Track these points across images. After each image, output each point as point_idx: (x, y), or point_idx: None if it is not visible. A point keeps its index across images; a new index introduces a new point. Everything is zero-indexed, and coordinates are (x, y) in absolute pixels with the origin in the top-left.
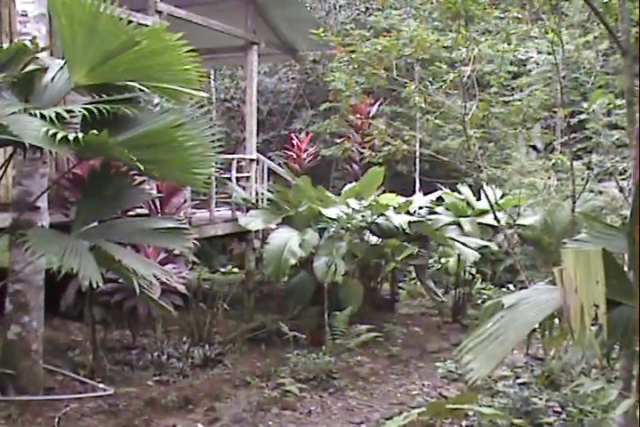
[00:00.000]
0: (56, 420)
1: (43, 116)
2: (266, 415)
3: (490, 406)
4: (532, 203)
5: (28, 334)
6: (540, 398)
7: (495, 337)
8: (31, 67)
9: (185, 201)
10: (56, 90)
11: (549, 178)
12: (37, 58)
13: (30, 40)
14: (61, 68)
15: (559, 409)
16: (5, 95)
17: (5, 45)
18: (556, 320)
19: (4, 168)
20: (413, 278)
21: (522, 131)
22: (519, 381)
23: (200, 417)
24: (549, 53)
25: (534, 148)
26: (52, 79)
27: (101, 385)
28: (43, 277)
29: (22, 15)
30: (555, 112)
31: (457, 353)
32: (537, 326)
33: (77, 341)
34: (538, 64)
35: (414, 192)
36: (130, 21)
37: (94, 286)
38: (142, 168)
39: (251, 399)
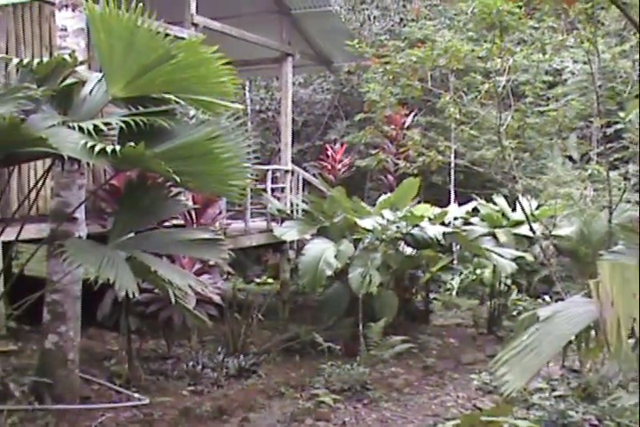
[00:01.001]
0: None
1: (81, 129)
2: (300, 426)
3: (525, 419)
4: (568, 213)
5: (65, 343)
6: (577, 412)
7: (530, 349)
8: (70, 80)
9: (220, 212)
10: (94, 102)
11: (586, 188)
12: (76, 71)
13: (69, 54)
14: (99, 81)
15: (596, 423)
16: (45, 108)
17: (45, 59)
18: (593, 332)
19: (42, 180)
20: (448, 289)
21: (557, 141)
22: (555, 393)
23: None
24: (585, 63)
25: (570, 158)
26: (90, 92)
27: (137, 395)
28: (80, 288)
29: (62, 30)
30: (591, 122)
31: (492, 365)
32: (573, 338)
33: (113, 350)
34: (573, 74)
35: (449, 203)
36: (167, 35)
37: (130, 296)
38: (178, 180)
39: (285, 410)
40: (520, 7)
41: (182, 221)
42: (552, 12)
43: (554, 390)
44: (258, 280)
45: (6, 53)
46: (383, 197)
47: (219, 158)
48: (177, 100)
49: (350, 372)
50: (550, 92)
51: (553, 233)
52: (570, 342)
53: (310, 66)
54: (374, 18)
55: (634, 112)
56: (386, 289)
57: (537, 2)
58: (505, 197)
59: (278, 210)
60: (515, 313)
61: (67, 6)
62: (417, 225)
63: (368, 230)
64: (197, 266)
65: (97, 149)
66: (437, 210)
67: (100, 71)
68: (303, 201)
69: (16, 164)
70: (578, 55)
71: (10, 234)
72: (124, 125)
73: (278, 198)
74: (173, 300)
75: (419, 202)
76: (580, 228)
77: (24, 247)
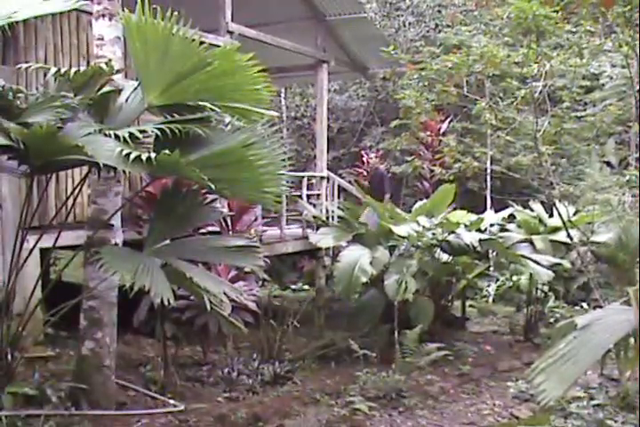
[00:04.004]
0: None
1: (117, 137)
2: None
3: None
4: (606, 220)
5: (102, 349)
6: (616, 421)
7: (568, 358)
8: (106, 88)
9: (256, 219)
10: (130, 110)
11: (624, 194)
12: (112, 80)
13: (106, 63)
14: (135, 89)
15: None
16: (81, 116)
17: (83, 68)
18: (632, 340)
19: (79, 187)
20: (484, 296)
21: (595, 146)
22: (593, 402)
23: None
24: (623, 67)
25: (608, 163)
26: (127, 100)
27: (172, 401)
28: (116, 294)
29: (99, 39)
30: (629, 127)
31: (529, 373)
32: (612, 346)
33: (149, 356)
34: (611, 78)
35: (485, 209)
36: (201, 42)
37: (166, 303)
38: (213, 187)
39: (320, 417)
40: (557, 11)
41: (218, 228)
42: (589, 16)
43: (592, 398)
44: (294, 287)
45: (45, 63)
46: (419, 203)
47: (254, 165)
48: (212, 107)
49: (386, 379)
50: (588, 97)
51: (591, 240)
52: (608, 350)
53: (345, 72)
54: (409, 24)
55: None
56: (422, 296)
57: (574, 6)
58: (542, 203)
59: (314, 217)
60: (552, 320)
61: (104, 16)
62: (453, 232)
63: (404, 237)
64: (233, 273)
65: (132, 156)
66: (473, 216)
67: (136, 79)
68: (339, 208)
69: (54, 171)
70: (616, 59)
71: (48, 240)
72: (159, 133)
73: (314, 205)
74: (209, 307)
75: (454, 208)
76: (618, 234)
77: (62, 254)
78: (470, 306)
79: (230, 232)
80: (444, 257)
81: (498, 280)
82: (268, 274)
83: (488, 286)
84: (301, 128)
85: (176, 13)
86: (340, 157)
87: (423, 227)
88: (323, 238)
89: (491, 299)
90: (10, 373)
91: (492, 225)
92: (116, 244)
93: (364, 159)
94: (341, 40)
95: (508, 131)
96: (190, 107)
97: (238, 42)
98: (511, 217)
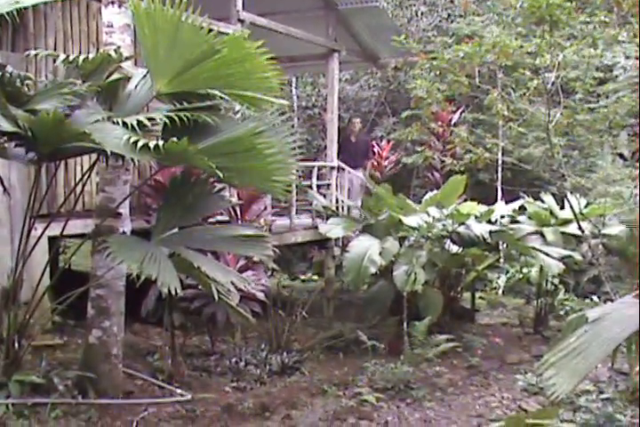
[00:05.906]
0: (134, 424)
1: (125, 124)
2: (342, 425)
3: (572, 422)
4: (618, 212)
5: (109, 338)
6: (625, 415)
7: (579, 352)
8: (115, 76)
9: (265, 208)
10: (139, 98)
11: (636, 187)
12: (121, 67)
13: (115, 50)
14: (144, 76)
15: None
16: (90, 104)
17: (91, 55)
18: None
19: (88, 175)
20: (494, 288)
21: (608, 138)
22: (603, 396)
23: (276, 425)
24: (638, 58)
25: (621, 155)
26: (135, 88)
27: (179, 390)
28: (124, 283)
29: (108, 26)
30: None
31: (539, 367)
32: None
33: (157, 346)
34: (625, 69)
35: (496, 201)
36: (210, 30)
37: (173, 292)
38: (222, 175)
39: (327, 408)
40: (570, 1)
41: (227, 217)
42: (604, 6)
43: (601, 392)
44: (303, 277)
45: (54, 50)
46: (429, 194)
47: (263, 154)
48: (222, 95)
49: (394, 371)
50: (601, 88)
51: (602, 232)
52: (619, 343)
53: (357, 62)
54: (421, 14)
55: None
56: (431, 287)
57: None
58: (553, 195)
59: (324, 207)
60: (562, 313)
61: (113, 2)
62: (463, 223)
63: (413, 228)
64: (241, 262)
65: (140, 144)
66: (484, 208)
67: (146, 67)
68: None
69: (62, 159)
70: (630, 50)
71: (56, 228)
72: (168, 121)
73: (324, 195)
74: (217, 296)
75: (465, 200)
76: (629, 227)
77: (72, 242)
78: (480, 298)
79: (239, 221)
80: (454, 248)
81: (508, 272)
82: (277, 264)
83: (498, 277)
84: (312, 118)
85: (185, 1)
86: None
87: (433, 218)
88: (332, 228)
89: (500, 291)
90: (17, 361)
91: (502, 217)
92: (123, 232)
93: (375, 150)
94: (353, 29)
95: (519, 122)
96: (199, 95)
97: (249, 30)
98: (522, 209)
